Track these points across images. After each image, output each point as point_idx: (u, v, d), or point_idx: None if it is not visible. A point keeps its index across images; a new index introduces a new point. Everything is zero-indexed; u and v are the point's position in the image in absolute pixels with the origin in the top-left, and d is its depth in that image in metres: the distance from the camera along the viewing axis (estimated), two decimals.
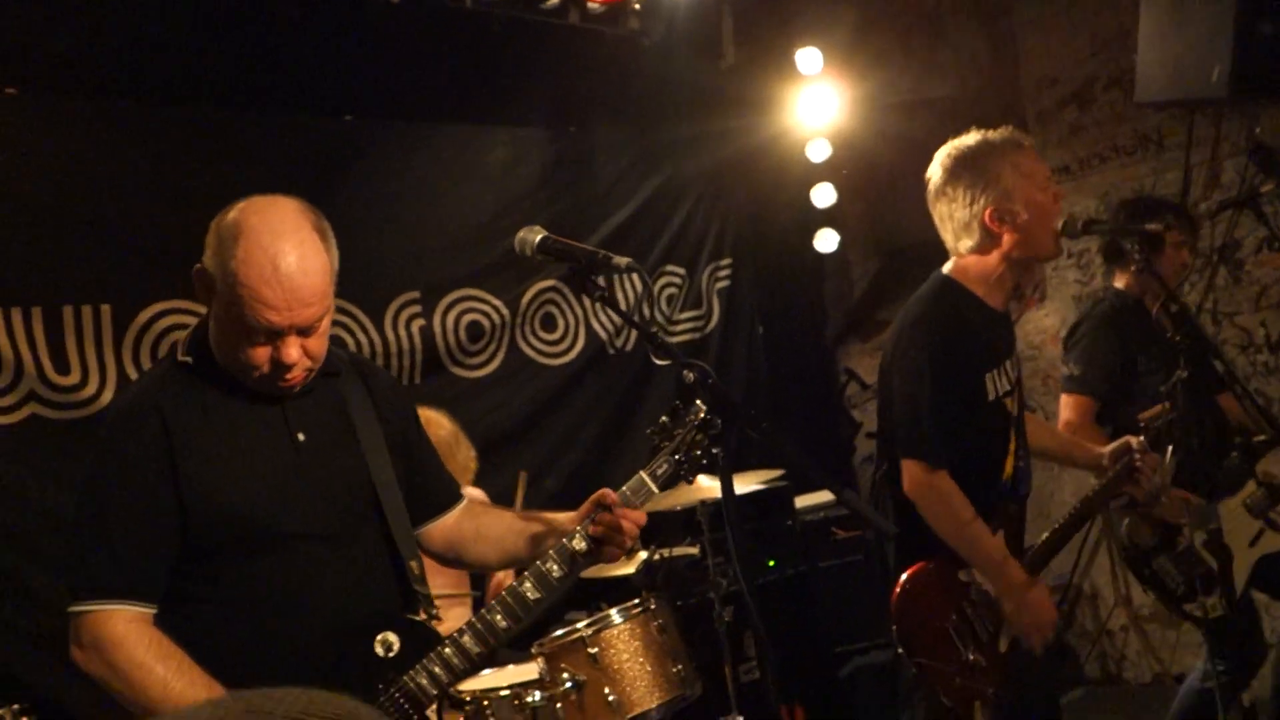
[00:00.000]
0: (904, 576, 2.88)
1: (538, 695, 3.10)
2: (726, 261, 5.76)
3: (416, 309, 4.55)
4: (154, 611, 1.91)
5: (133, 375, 3.74)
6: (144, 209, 3.84)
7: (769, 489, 4.86)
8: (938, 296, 2.89)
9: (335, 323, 4.26)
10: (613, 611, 3.27)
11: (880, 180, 5.79)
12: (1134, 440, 3.07)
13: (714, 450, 1.97)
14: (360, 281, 4.39)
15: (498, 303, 4.78)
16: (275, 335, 1.88)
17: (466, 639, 1.99)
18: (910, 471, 2.82)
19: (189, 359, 1.98)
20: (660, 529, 3.99)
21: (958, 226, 2.88)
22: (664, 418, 2.04)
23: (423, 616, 2.05)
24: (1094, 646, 5.24)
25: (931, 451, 2.78)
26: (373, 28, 4.39)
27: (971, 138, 2.93)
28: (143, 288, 3.81)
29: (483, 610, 2.01)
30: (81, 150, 3.76)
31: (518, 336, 4.87)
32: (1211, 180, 4.75)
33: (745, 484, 4.73)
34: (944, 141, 5.75)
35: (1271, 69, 4.08)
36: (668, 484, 2.08)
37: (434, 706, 1.97)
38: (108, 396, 3.69)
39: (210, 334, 1.99)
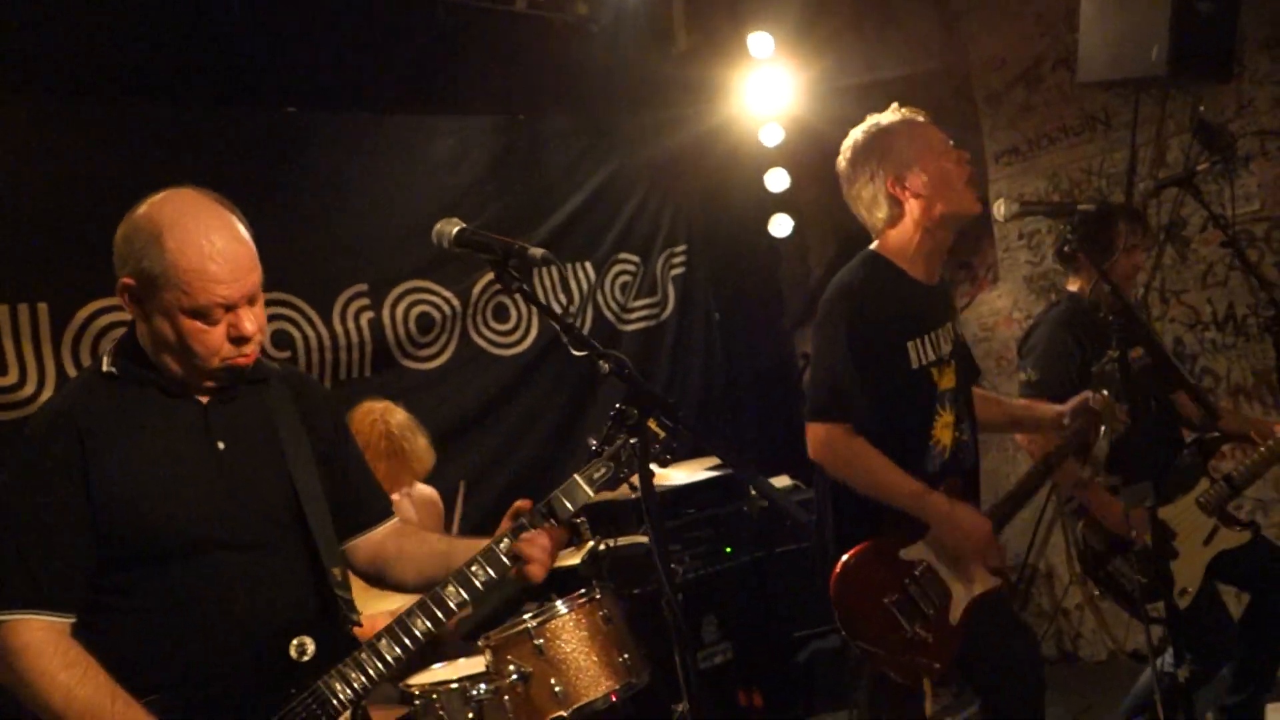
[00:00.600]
0: (843, 558, 2.86)
1: (483, 688, 3.10)
2: (681, 248, 5.75)
3: (365, 301, 4.52)
4: (70, 621, 1.90)
5: (72, 374, 3.70)
6: (82, 205, 3.77)
7: (725, 475, 4.87)
8: (856, 269, 2.93)
9: (282, 317, 4.31)
10: (558, 602, 3.27)
11: (834, 164, 5.77)
12: (1091, 395, 3.01)
13: (631, 440, 1.96)
14: (307, 275, 4.36)
15: (448, 294, 4.75)
16: (229, 310, 1.93)
17: (383, 643, 1.98)
18: (813, 434, 2.83)
19: (114, 369, 1.97)
20: (608, 518, 3.98)
21: (868, 203, 2.94)
22: (609, 422, 2.04)
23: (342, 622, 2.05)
24: (1050, 625, 5.27)
25: (835, 408, 2.80)
26: (314, 17, 4.35)
27: (864, 124, 3.00)
28: (81, 286, 3.76)
29: (401, 614, 2.00)
30: (16, 145, 3.71)
31: (469, 327, 4.85)
32: (1158, 159, 4.77)
33: (701, 470, 4.74)
34: None
35: (1210, 48, 4.11)
36: (604, 487, 2.09)
37: (347, 714, 1.95)
38: (47, 395, 3.65)
39: (148, 345, 1.98)
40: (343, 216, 4.48)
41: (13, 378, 3.62)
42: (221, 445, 2.00)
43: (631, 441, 1.96)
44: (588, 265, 5.32)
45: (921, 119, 2.98)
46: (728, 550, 4.92)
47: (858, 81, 5.55)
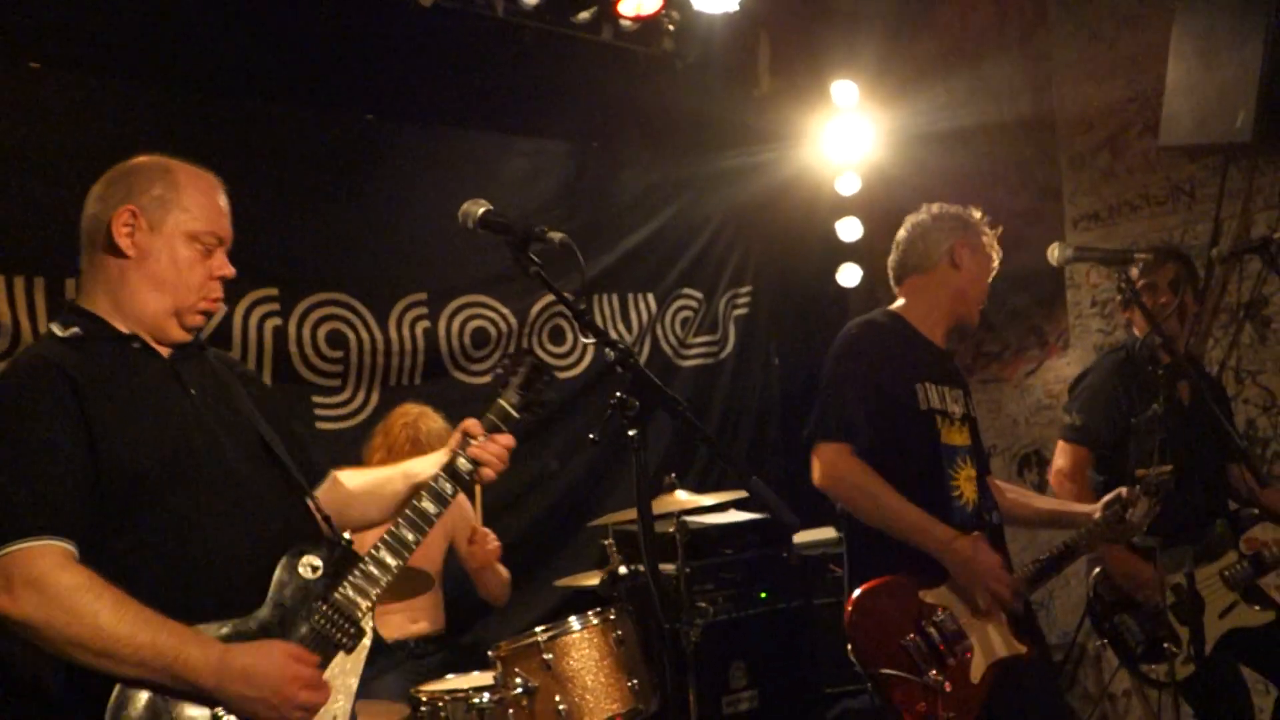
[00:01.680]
0: (857, 592, 2.81)
1: (486, 697, 3.07)
2: (746, 289, 5.72)
3: (422, 310, 4.56)
4: (77, 554, 1.87)
5: None
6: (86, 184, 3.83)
7: (767, 520, 4.79)
8: (877, 314, 3.14)
9: (338, 318, 4.37)
10: (572, 619, 3.23)
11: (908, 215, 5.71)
12: (1124, 491, 2.96)
13: (630, 433, 1.94)
14: (367, 279, 4.42)
15: (506, 311, 4.77)
16: (219, 246, 2.08)
17: (383, 553, 2.07)
18: (819, 455, 2.84)
19: (77, 331, 2.00)
20: (636, 542, 3.92)
21: (927, 244, 3.17)
22: (502, 362, 2.27)
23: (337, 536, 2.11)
24: (1095, 709, 5.05)
25: (841, 429, 2.82)
26: (401, 29, 4.44)
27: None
28: (74, 261, 3.78)
29: (390, 527, 2.10)
30: (101, 126, 3.80)
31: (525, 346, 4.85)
32: (1242, 232, 4.60)
33: (743, 514, 4.67)
34: (978, 178, 5.69)
35: None
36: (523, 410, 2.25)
37: (366, 617, 2.02)
38: None
39: (107, 301, 2.03)
40: (409, 226, 4.53)
41: (4, 345, 3.60)
42: (194, 391, 2.07)
43: (631, 433, 1.93)
44: (650, 297, 5.31)
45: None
46: (763, 595, 4.82)
47: (938, 129, 5.50)
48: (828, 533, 5.00)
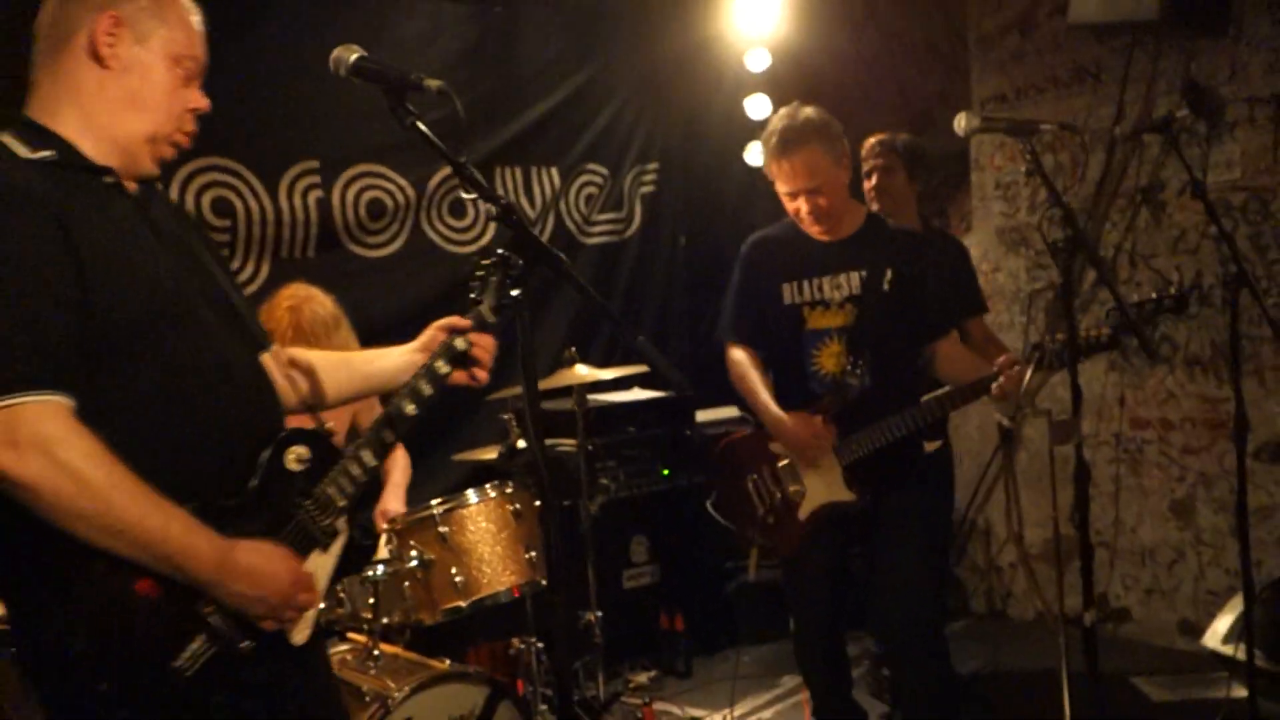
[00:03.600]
0: (724, 440, 3.50)
1: (380, 570, 3.02)
2: (653, 166, 5.60)
3: (314, 179, 4.37)
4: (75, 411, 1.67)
5: None
6: None
7: (671, 398, 4.79)
8: (766, 230, 3.48)
9: (224, 184, 4.17)
10: (469, 492, 3.19)
11: (818, 96, 5.62)
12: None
13: (514, 292, 1.87)
14: (255, 145, 4.21)
15: (403, 182, 4.60)
16: (197, 74, 1.93)
17: (364, 452, 1.97)
18: (726, 350, 3.47)
19: (49, 154, 1.76)
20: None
21: None
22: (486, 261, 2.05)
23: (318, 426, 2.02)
24: (983, 581, 5.24)
25: (729, 329, 3.46)
26: None
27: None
28: None
29: (370, 427, 2.00)
30: None
31: (423, 219, 4.70)
32: (1144, 115, 4.63)
33: (647, 391, 4.65)
34: (889, 59, 5.63)
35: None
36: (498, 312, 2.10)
37: (344, 519, 1.95)
38: None
39: (103, 101, 1.82)
40: (300, 90, 4.28)
41: None
42: (164, 239, 1.88)
43: (514, 293, 1.86)
44: (554, 171, 5.17)
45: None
46: (665, 473, 4.85)
47: (849, 5, 5.40)
48: (730, 411, 5.02)
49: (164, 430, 1.75)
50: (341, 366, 2.20)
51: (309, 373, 2.16)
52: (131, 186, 1.88)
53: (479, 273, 2.04)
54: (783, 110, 3.31)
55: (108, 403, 1.69)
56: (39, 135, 1.78)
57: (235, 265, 4.16)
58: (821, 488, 3.24)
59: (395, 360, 2.17)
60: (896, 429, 3.14)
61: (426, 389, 2.03)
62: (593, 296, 2.06)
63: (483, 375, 2.12)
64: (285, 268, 4.24)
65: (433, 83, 1.86)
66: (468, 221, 4.83)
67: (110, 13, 1.81)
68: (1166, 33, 4.33)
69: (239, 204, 4.15)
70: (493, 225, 4.87)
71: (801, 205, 3.26)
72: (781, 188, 3.28)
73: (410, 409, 2.00)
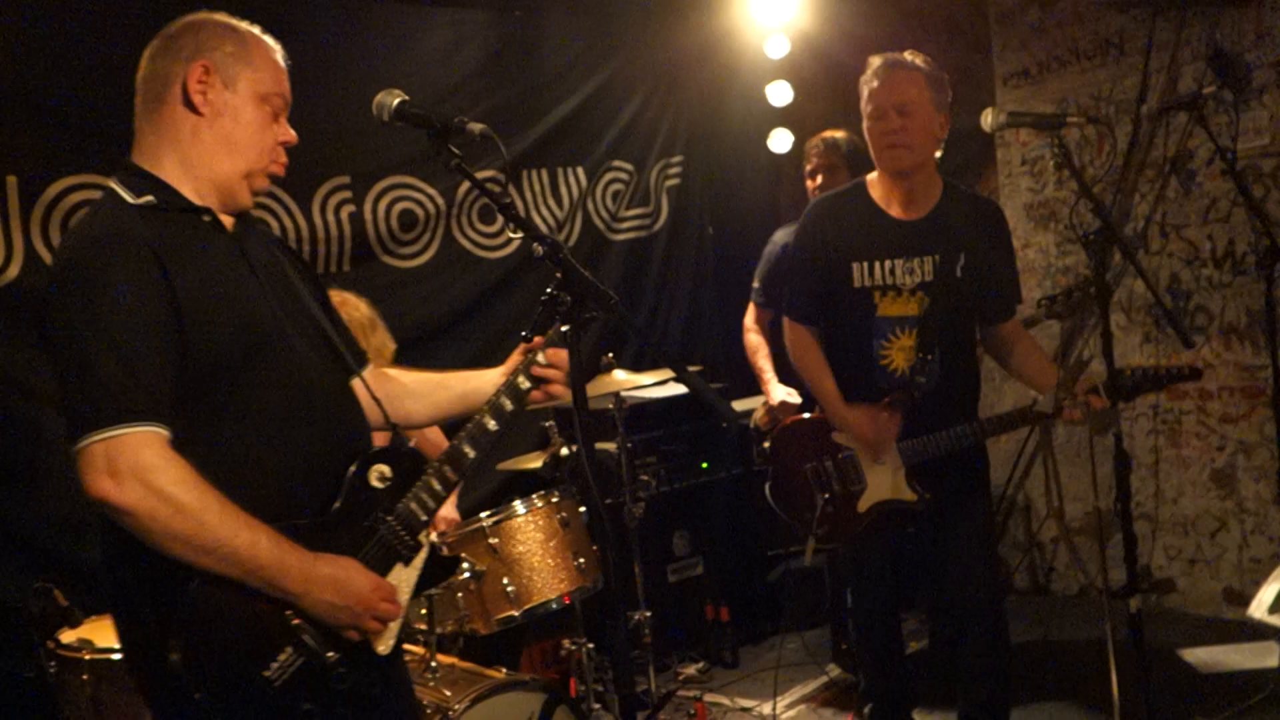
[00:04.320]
0: (783, 424, 3.45)
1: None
2: (677, 159, 5.63)
3: (346, 194, 4.43)
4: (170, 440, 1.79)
5: (42, 251, 3.64)
6: (66, 79, 3.69)
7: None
8: (835, 191, 3.34)
9: (260, 207, 4.21)
10: (516, 503, 3.26)
11: (838, 79, 5.62)
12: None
13: (564, 328, 1.92)
14: (287, 165, 4.25)
15: (433, 191, 4.65)
16: (284, 109, 2.04)
17: (446, 468, 2.06)
18: (785, 327, 3.36)
19: (151, 199, 1.89)
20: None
21: None
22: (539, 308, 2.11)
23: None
24: (1024, 557, 5.26)
25: (792, 309, 3.32)
26: None
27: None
28: (51, 161, 3.68)
29: (453, 440, 2.09)
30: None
31: (454, 227, 4.76)
32: (1169, 86, 4.61)
33: (681, 386, 4.69)
34: (908, 38, 5.61)
35: None
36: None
37: (424, 532, 2.03)
38: (15, 270, 3.59)
39: (174, 163, 1.93)
40: (327, 106, 4.33)
41: None
42: (259, 274, 1.98)
43: (564, 329, 1.91)
44: (579, 171, 5.21)
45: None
46: (704, 466, 4.90)
47: None
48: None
49: (255, 454, 1.88)
50: (439, 388, 2.31)
51: (402, 393, 2.28)
52: (229, 223, 1.99)
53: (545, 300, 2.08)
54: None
55: (203, 430, 1.83)
56: (142, 180, 1.92)
57: None
58: (883, 484, 3.24)
59: (489, 380, 2.25)
60: (963, 438, 3.13)
61: (508, 404, 2.13)
62: (637, 328, 2.12)
63: (557, 390, 2.19)
64: (322, 282, 4.30)
65: (475, 126, 1.93)
66: (497, 227, 4.88)
67: (200, 61, 1.93)
68: (1191, 3, 4.30)
69: (274, 223, 4.22)
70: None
71: (883, 124, 3.07)
72: (867, 107, 3.11)
73: (492, 425, 2.11)
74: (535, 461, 3.60)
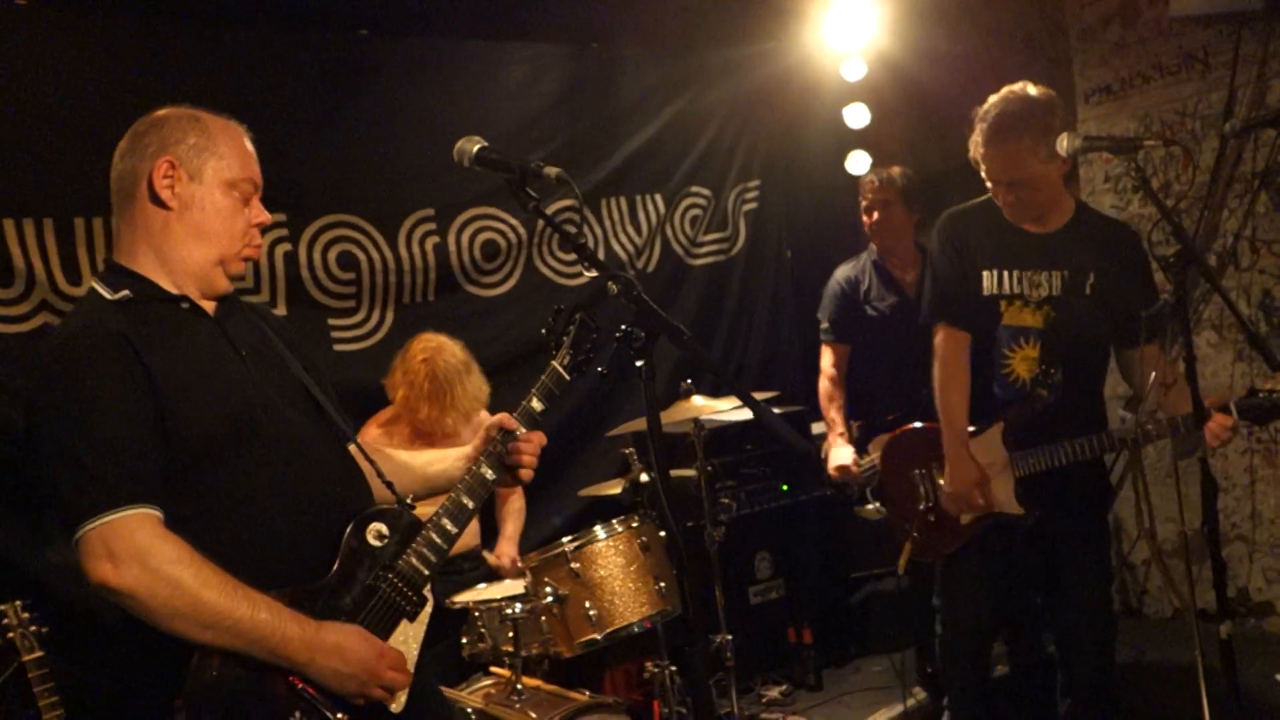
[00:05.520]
0: (899, 430, 3.52)
1: (519, 608, 3.16)
2: (754, 183, 5.67)
3: (431, 226, 4.56)
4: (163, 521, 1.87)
5: (69, 290, 3.71)
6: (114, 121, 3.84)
7: (784, 414, 4.84)
8: (963, 206, 3.35)
9: (348, 239, 4.38)
10: (597, 528, 3.32)
11: (916, 100, 5.62)
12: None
13: (638, 364, 1.96)
14: (373, 199, 4.41)
15: (514, 221, 4.76)
16: (254, 192, 2.09)
17: (445, 521, 2.10)
18: (937, 335, 3.30)
19: (127, 293, 1.96)
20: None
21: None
22: (550, 319, 2.29)
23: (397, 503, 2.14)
24: (1116, 579, 5.16)
25: (939, 312, 3.28)
26: None
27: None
28: (89, 203, 3.72)
29: (450, 493, 2.15)
30: (94, 61, 3.78)
31: (534, 256, 4.86)
32: (1256, 100, 4.52)
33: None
34: (986, 56, 5.55)
35: None
36: (575, 371, 2.31)
37: (428, 586, 2.06)
38: (46, 315, 3.67)
39: (150, 257, 2.01)
40: (411, 142, 4.49)
41: (20, 289, 3.63)
42: (245, 352, 2.05)
43: (638, 364, 1.95)
44: (658, 198, 5.28)
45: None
46: (784, 488, 4.91)
47: (943, 7, 5.37)
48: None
49: (252, 526, 1.92)
50: (404, 471, 2.30)
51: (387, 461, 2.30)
52: (210, 307, 2.06)
53: (549, 326, 2.24)
54: (1005, 90, 3.15)
55: (199, 507, 1.89)
56: (120, 276, 1.99)
57: (361, 316, 4.38)
58: (991, 497, 3.21)
59: (450, 465, 2.29)
60: (1078, 451, 3.08)
61: (469, 503, 2.14)
62: (710, 363, 2.19)
63: (525, 475, 2.24)
64: (407, 313, 4.44)
65: (551, 170, 1.98)
66: (575, 255, 4.96)
67: (165, 157, 1.99)
68: (1275, 18, 4.22)
69: (362, 256, 4.36)
70: (603, 256, 5.00)
71: (999, 193, 3.18)
72: (984, 173, 3.20)
73: (468, 503, 2.14)
74: (615, 487, 3.66)
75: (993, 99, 3.14)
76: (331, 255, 4.29)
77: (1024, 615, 3.99)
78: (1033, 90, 3.10)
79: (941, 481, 3.28)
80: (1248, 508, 4.73)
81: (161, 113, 2.05)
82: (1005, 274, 3.19)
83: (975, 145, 3.15)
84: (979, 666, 3.48)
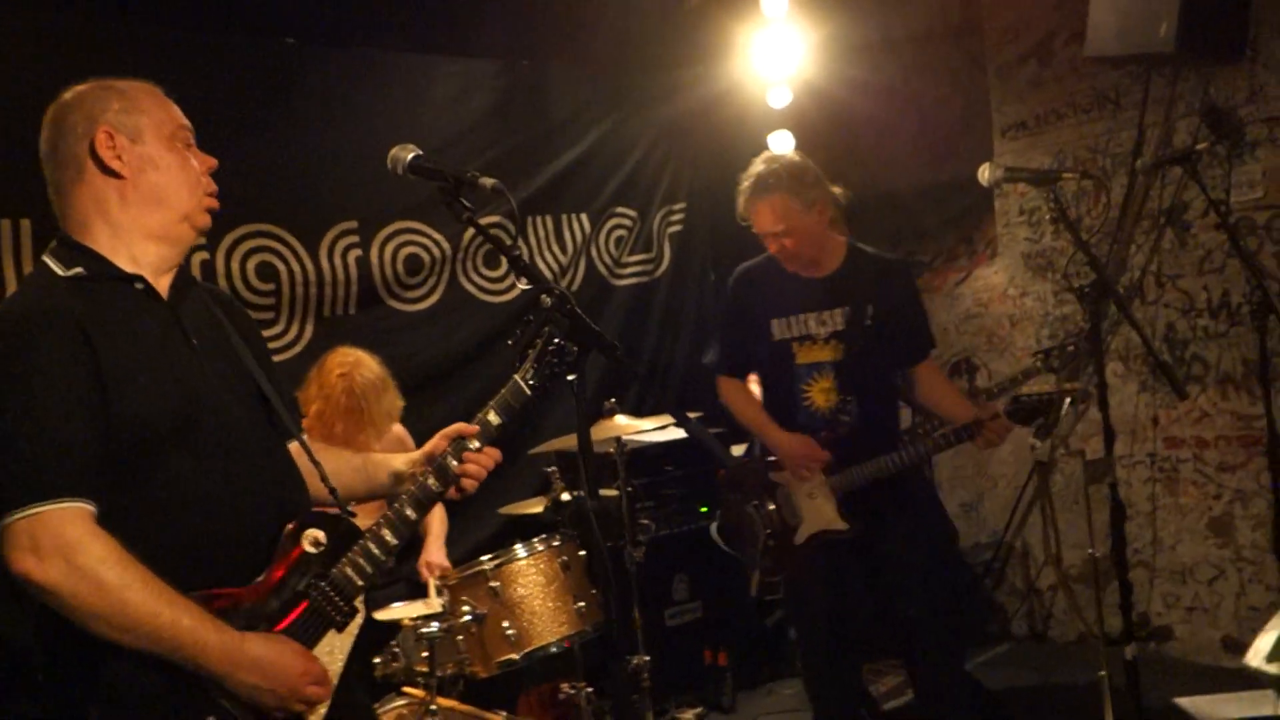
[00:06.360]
0: (728, 468, 3.78)
1: (436, 626, 3.12)
2: (680, 206, 5.71)
3: (354, 239, 4.50)
4: (96, 515, 1.79)
5: None
6: None
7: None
8: (749, 263, 3.69)
9: (268, 249, 4.30)
10: (518, 546, 3.29)
11: (840, 128, 5.73)
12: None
13: (570, 377, 1.96)
14: (295, 209, 4.35)
15: (438, 236, 4.73)
16: (190, 139, 2.03)
17: (385, 532, 2.04)
18: (719, 384, 3.69)
19: (80, 270, 1.89)
20: (577, 468, 3.98)
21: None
22: (519, 330, 2.16)
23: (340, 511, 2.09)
24: (1023, 604, 5.27)
25: (722, 364, 3.70)
26: None
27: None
28: None
29: (393, 505, 2.07)
30: (21, 63, 3.68)
31: (458, 272, 4.83)
32: (1164, 140, 4.69)
33: (681, 431, 4.73)
34: (908, 89, 5.69)
35: (1221, 27, 4.02)
36: (537, 388, 2.17)
37: (360, 597, 2.01)
38: None
39: (129, 209, 1.95)
40: (336, 153, 4.44)
41: None
42: (195, 341, 1.99)
43: (570, 378, 1.95)
44: (584, 217, 5.29)
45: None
46: (703, 509, 4.93)
47: (868, 40, 5.48)
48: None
49: (185, 524, 1.86)
50: (347, 470, 2.25)
51: (324, 468, 2.22)
52: (164, 285, 1.98)
53: (515, 338, 2.15)
54: (761, 156, 3.55)
55: (130, 502, 1.81)
56: (74, 251, 1.92)
57: (280, 328, 4.30)
58: (816, 516, 3.45)
59: (398, 468, 2.24)
60: (888, 466, 3.36)
61: (413, 514, 2.07)
62: (638, 374, 2.17)
63: (469, 485, 2.18)
64: (328, 326, 4.38)
65: (487, 181, 1.96)
66: (501, 272, 4.94)
67: (99, 129, 1.93)
68: (1184, 62, 4.39)
69: (282, 267, 4.29)
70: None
71: (770, 243, 3.50)
72: (754, 228, 3.52)
73: (411, 514, 2.06)
74: (536, 506, 3.64)
75: (755, 161, 3.51)
76: (250, 265, 4.22)
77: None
78: (789, 154, 3.59)
79: (772, 508, 3.52)
80: (1149, 534, 4.88)
81: (69, 94, 1.97)
82: (792, 319, 3.48)
83: (742, 203, 3.49)
84: (839, 681, 3.59)
